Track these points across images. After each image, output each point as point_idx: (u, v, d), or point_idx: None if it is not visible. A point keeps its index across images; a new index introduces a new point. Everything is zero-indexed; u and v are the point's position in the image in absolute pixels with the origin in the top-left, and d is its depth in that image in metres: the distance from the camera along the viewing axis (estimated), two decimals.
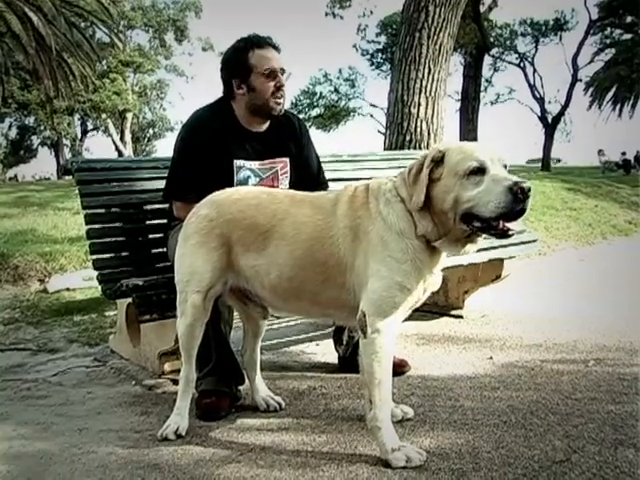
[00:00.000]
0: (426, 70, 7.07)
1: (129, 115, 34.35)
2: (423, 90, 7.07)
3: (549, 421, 2.55)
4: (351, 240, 2.27)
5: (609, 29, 29.36)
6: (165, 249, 3.16)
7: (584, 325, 4.00)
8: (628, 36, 29.02)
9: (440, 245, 2.20)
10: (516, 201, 1.99)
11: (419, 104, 7.07)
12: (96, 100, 29.33)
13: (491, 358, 3.42)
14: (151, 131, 45.92)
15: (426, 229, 2.17)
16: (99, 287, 3.23)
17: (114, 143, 34.47)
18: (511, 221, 2.05)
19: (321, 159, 3.41)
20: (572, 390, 2.88)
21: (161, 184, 3.16)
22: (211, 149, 2.95)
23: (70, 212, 9.63)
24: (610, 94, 32.56)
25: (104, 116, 32.65)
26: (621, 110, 33.62)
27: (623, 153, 30.58)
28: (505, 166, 2.12)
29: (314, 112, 31.36)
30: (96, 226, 3.31)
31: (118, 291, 3.00)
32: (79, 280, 5.43)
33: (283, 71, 3.04)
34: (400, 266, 2.19)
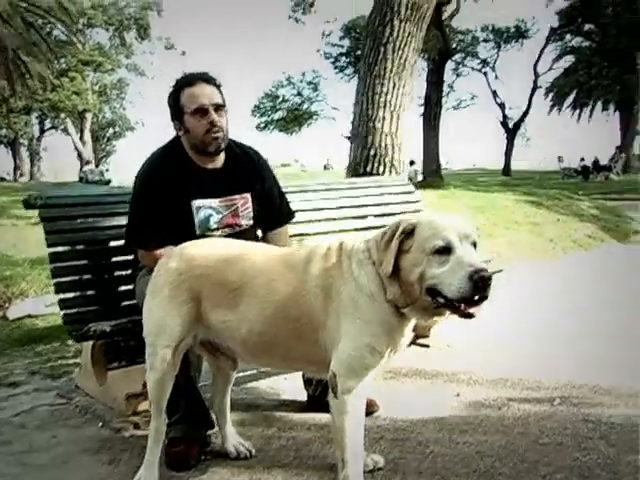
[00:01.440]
0: (391, 85, 7.11)
1: (89, 115, 33.83)
2: (388, 105, 7.10)
3: (517, 470, 2.58)
4: (323, 299, 2.26)
5: (569, 36, 29.98)
6: (133, 286, 3.12)
7: (549, 359, 4.02)
8: (587, 43, 29.72)
9: (408, 312, 2.21)
10: (476, 289, 1.99)
11: (384, 118, 7.11)
12: (55, 100, 28.83)
13: (458, 395, 3.46)
14: (111, 130, 45.45)
15: (394, 295, 2.17)
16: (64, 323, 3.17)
17: (73, 143, 33.94)
18: (473, 306, 2.04)
19: (287, 189, 3.40)
20: (539, 434, 2.93)
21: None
22: (167, 193, 2.89)
23: (29, 221, 9.40)
24: (570, 99, 33.34)
25: (63, 115, 32.10)
26: (579, 115, 34.44)
27: (582, 159, 31.20)
28: (474, 244, 2.13)
29: (277, 115, 31.38)
30: (61, 264, 3.25)
31: (85, 335, 2.95)
32: (41, 306, 5.30)
33: (219, 106, 2.95)
34: (369, 328, 2.19)
